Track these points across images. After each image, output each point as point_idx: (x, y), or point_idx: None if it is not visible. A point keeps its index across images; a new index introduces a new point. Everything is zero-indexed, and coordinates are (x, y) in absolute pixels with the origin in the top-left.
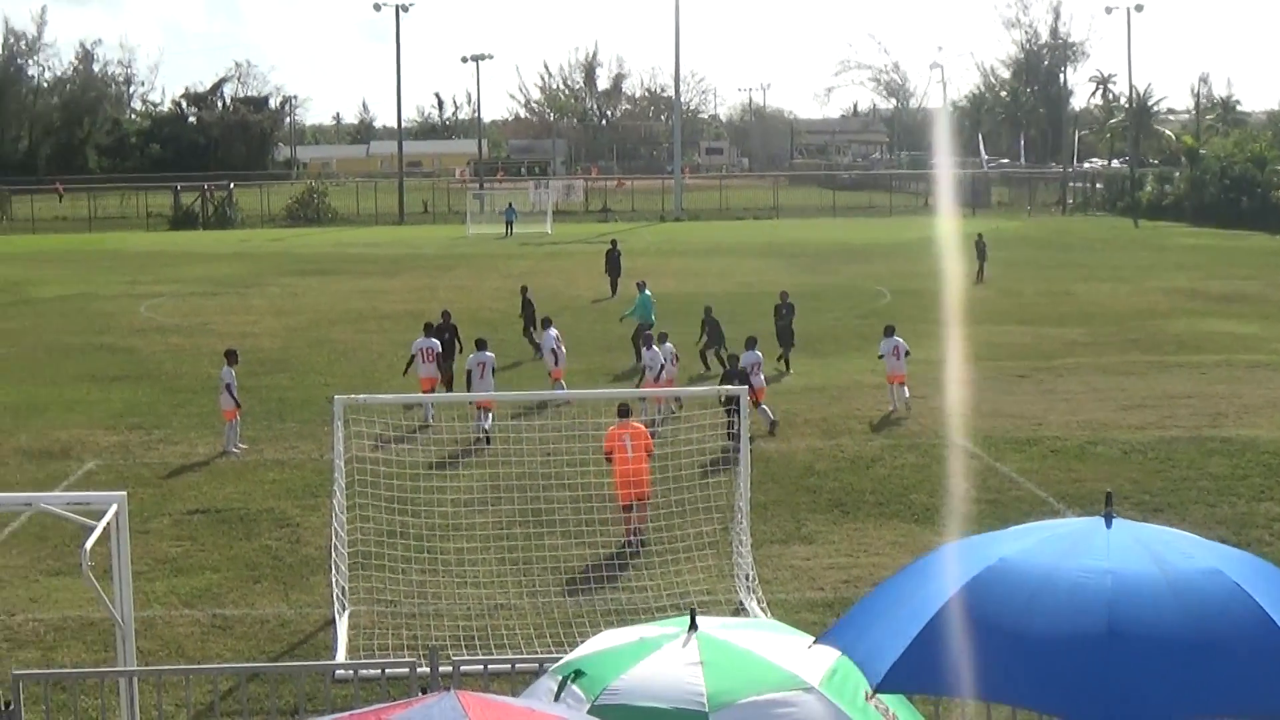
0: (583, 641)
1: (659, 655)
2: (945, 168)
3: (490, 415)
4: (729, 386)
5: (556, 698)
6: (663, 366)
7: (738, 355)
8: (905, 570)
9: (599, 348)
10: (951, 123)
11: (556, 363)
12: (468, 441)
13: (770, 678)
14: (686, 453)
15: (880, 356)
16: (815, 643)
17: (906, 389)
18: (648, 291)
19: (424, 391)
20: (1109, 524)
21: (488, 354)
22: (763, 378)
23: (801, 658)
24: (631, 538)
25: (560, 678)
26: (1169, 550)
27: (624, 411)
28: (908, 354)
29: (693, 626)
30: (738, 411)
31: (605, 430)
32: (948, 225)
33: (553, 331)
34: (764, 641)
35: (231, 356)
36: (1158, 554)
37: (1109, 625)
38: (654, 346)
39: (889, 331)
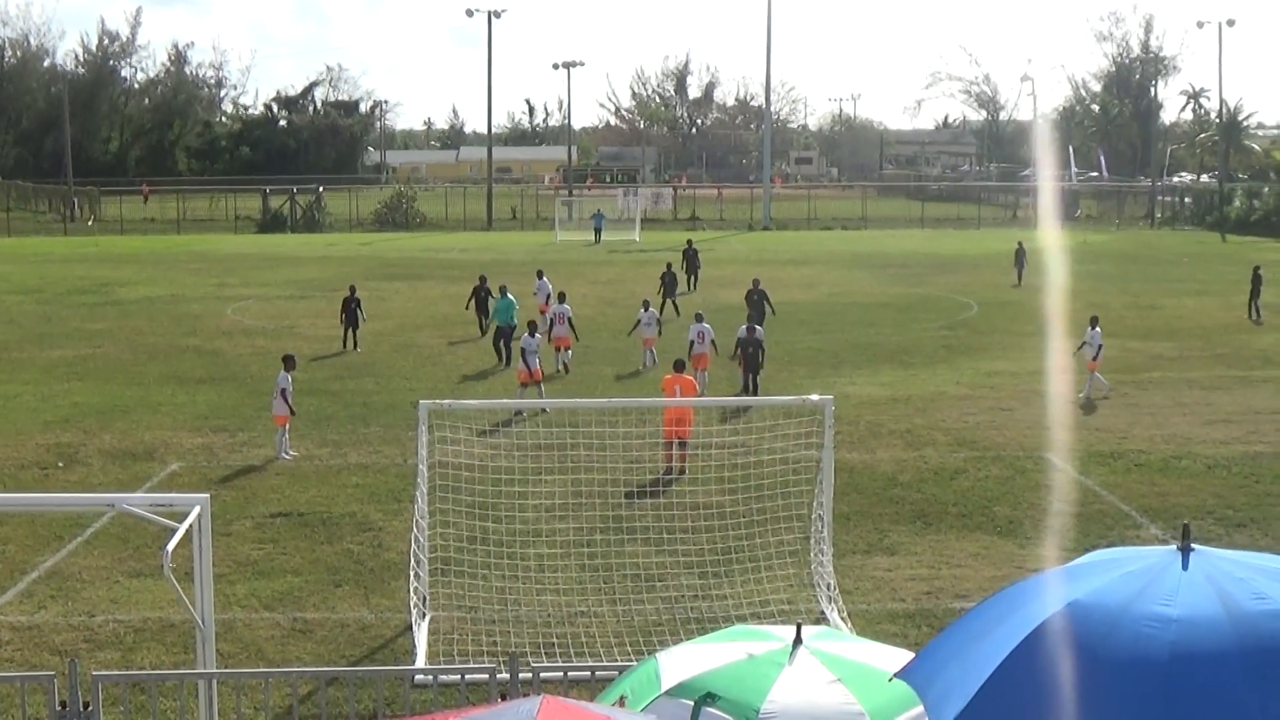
0: (658, 651)
1: (790, 674)
2: (1035, 180)
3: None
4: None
5: None
6: (639, 322)
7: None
8: (982, 605)
9: (677, 348)
10: (1041, 135)
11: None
12: (551, 448)
13: (905, 690)
14: (769, 462)
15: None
16: (894, 677)
17: (1100, 375)
18: (510, 295)
19: (558, 350)
20: (1185, 559)
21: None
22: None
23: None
24: (671, 465)
25: (689, 702)
26: (1241, 590)
27: (679, 366)
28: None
29: (798, 641)
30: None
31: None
32: (1036, 237)
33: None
34: (869, 654)
35: (289, 362)
36: (1228, 594)
37: (1166, 682)
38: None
39: (1093, 322)
